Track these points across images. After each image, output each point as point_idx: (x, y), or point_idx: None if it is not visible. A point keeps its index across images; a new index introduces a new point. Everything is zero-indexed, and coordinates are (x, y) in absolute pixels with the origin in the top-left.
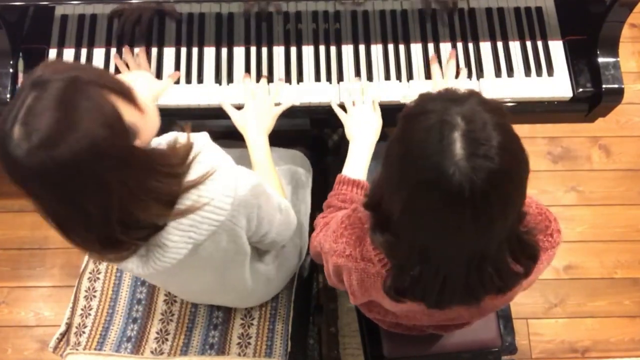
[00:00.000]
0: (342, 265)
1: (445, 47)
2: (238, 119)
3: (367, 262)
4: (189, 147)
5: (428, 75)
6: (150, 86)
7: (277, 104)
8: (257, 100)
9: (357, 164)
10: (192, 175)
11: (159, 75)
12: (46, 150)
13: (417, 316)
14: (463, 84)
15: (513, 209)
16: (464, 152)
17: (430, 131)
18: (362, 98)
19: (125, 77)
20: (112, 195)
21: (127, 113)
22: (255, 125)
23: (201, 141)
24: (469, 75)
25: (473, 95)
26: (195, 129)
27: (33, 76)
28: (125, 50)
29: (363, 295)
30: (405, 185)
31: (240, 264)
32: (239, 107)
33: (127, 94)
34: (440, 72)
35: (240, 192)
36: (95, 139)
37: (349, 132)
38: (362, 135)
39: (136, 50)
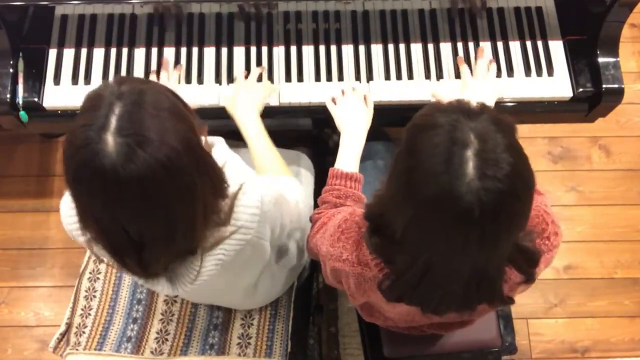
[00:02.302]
0: (339, 269)
1: (445, 47)
2: (227, 101)
3: (363, 267)
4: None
5: (428, 75)
6: None
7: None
8: (247, 83)
9: (349, 156)
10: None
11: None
12: (146, 152)
13: (415, 317)
14: (493, 82)
15: (518, 228)
16: (476, 173)
17: (440, 146)
18: (352, 91)
19: None
20: (197, 201)
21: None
22: (244, 103)
23: (219, 148)
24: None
25: (485, 110)
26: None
27: (110, 90)
28: (165, 64)
29: (362, 297)
30: (413, 201)
31: (256, 267)
32: None
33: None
34: (469, 71)
35: (265, 207)
36: (185, 136)
37: (339, 123)
38: (352, 125)
39: (137, 51)
